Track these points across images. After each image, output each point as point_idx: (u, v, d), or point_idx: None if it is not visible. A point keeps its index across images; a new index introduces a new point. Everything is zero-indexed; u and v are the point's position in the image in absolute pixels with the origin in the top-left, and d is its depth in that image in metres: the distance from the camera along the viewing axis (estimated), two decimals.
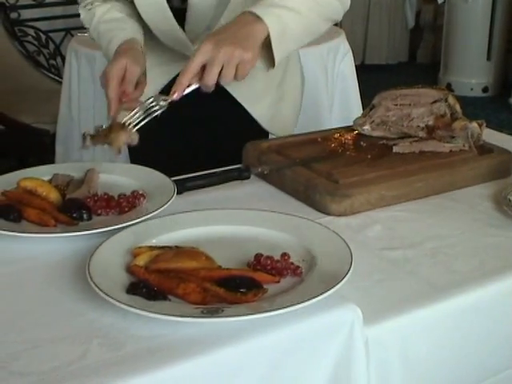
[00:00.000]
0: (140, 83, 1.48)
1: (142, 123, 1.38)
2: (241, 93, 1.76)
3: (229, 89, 1.73)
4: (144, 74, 1.50)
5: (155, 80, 1.69)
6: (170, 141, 1.80)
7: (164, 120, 1.74)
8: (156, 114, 1.37)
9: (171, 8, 1.61)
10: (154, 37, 1.68)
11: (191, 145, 1.81)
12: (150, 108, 1.38)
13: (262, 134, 1.84)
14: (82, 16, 1.70)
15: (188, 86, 1.34)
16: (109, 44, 1.57)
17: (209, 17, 1.63)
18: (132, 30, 1.61)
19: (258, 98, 1.79)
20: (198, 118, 1.78)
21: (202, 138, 1.82)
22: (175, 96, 1.34)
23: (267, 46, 1.41)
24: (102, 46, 1.63)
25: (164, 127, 1.74)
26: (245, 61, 1.32)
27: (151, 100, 1.39)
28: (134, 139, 1.37)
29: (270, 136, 1.85)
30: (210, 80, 1.31)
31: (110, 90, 1.42)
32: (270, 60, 1.46)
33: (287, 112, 1.91)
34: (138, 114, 1.38)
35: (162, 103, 1.37)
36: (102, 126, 1.39)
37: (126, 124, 1.37)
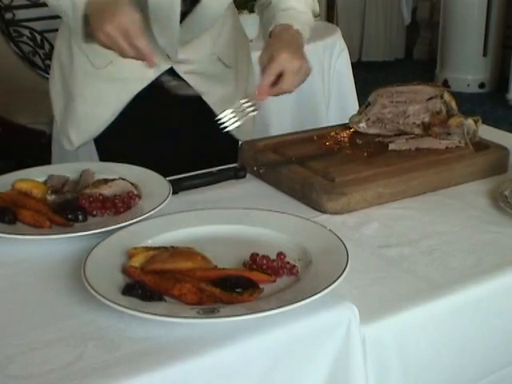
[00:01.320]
0: None
1: (238, 124, 1.48)
2: (213, 98, 1.78)
3: (204, 96, 1.76)
4: None
5: (132, 85, 1.71)
6: (157, 141, 1.80)
7: (149, 122, 1.74)
8: (252, 114, 1.49)
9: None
10: None
11: (176, 145, 1.81)
12: (244, 109, 1.49)
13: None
14: None
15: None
16: None
17: (204, 26, 1.66)
18: None
19: (228, 102, 1.79)
20: (182, 120, 1.79)
21: (189, 138, 1.82)
22: (263, 96, 1.48)
23: None
24: None
25: (150, 128, 1.75)
26: (308, 72, 1.52)
27: (245, 100, 1.49)
28: None
29: None
30: (290, 86, 1.49)
31: (138, 39, 1.38)
32: None
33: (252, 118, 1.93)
34: (232, 115, 1.48)
35: (255, 105, 1.49)
36: None
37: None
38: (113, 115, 1.74)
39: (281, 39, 1.55)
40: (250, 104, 1.49)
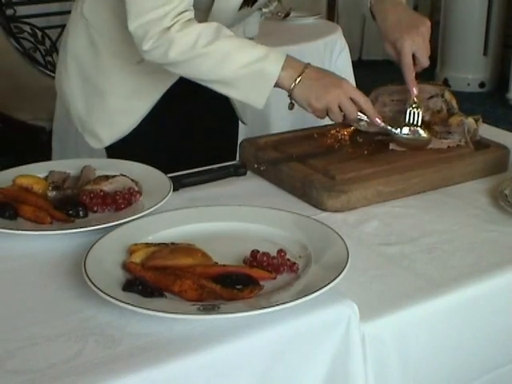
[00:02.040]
0: None
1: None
2: None
3: None
4: None
5: (167, 75, 1.65)
6: (159, 138, 1.80)
7: (150, 120, 1.74)
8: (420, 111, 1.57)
9: None
10: None
11: (180, 141, 1.81)
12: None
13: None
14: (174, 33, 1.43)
15: None
16: (265, 58, 1.43)
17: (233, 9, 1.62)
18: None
19: None
20: (185, 114, 1.79)
21: (190, 135, 1.82)
22: (415, 92, 1.57)
23: None
24: (238, 59, 1.43)
25: (154, 124, 1.75)
26: (428, 28, 1.60)
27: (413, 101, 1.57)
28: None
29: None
30: (426, 61, 1.58)
31: (369, 105, 1.48)
32: None
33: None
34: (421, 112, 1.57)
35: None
36: None
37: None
38: (148, 109, 1.71)
39: (388, 18, 1.60)
40: (417, 103, 1.57)
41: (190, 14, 1.44)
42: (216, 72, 1.44)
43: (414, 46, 1.55)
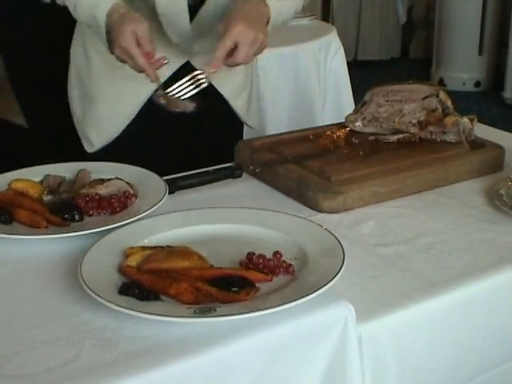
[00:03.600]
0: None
1: (192, 93, 1.49)
2: (227, 88, 1.81)
3: (216, 85, 1.76)
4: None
5: (136, 97, 1.73)
6: (154, 140, 1.81)
7: (147, 119, 1.74)
8: (204, 86, 1.50)
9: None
10: (154, 32, 1.67)
11: (172, 144, 1.82)
12: (197, 80, 1.50)
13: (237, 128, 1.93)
14: None
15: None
16: (96, 7, 1.54)
17: (215, 19, 1.65)
18: None
19: (239, 91, 1.84)
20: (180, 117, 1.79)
21: (185, 136, 1.83)
22: (216, 68, 1.48)
23: None
24: (84, 5, 1.57)
25: (148, 126, 1.75)
26: (264, 44, 1.50)
27: (199, 72, 1.50)
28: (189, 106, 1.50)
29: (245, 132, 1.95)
30: (244, 58, 1.48)
31: (138, 59, 1.46)
32: None
33: (254, 103, 1.96)
34: (185, 85, 1.49)
35: (206, 77, 1.50)
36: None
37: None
38: (133, 113, 1.75)
39: (241, 8, 1.53)
40: (202, 76, 1.49)
41: None
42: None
43: (243, 37, 1.46)
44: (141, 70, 1.49)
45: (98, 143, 1.80)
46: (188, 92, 1.49)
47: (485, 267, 1.18)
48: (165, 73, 1.69)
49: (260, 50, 1.51)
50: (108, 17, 1.51)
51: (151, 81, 1.49)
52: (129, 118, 1.76)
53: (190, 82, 1.49)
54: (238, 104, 1.85)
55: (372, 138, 1.64)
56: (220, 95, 1.80)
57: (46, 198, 1.35)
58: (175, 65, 1.70)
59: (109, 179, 1.39)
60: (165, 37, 1.67)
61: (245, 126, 1.96)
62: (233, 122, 1.92)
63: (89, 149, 1.82)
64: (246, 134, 2.02)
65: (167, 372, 0.90)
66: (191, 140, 1.83)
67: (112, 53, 1.52)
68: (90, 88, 1.79)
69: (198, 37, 1.69)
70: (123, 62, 1.51)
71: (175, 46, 1.69)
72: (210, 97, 1.68)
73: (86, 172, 1.45)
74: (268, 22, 1.56)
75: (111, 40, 1.51)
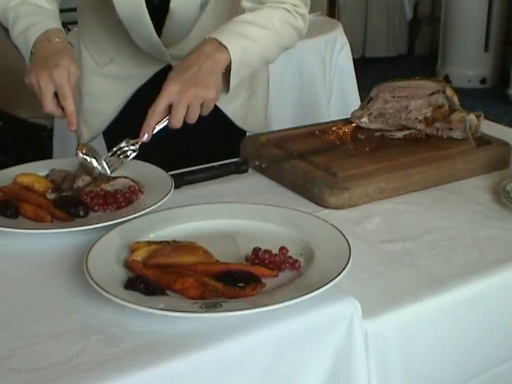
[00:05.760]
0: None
1: (117, 168, 1.39)
2: None
3: None
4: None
5: (131, 82, 1.73)
6: (160, 136, 1.80)
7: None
8: (131, 157, 1.38)
9: (150, 11, 1.56)
10: (125, 39, 1.67)
11: (178, 140, 1.82)
12: (123, 152, 1.39)
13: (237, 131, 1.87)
14: None
15: (155, 126, 1.35)
16: (31, 26, 1.48)
17: (188, 22, 1.62)
18: (58, 23, 1.55)
19: (229, 97, 1.77)
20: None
21: (191, 132, 1.82)
22: (145, 138, 1.35)
23: (225, 72, 1.42)
24: (17, 26, 1.51)
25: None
26: (208, 99, 1.35)
27: (123, 144, 1.39)
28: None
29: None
30: (177, 122, 1.34)
31: (68, 104, 1.37)
32: (226, 85, 1.45)
33: (258, 107, 1.90)
34: (111, 159, 1.39)
35: (132, 147, 1.38)
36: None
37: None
38: (115, 111, 1.77)
39: (182, 62, 1.39)
40: (130, 147, 1.38)
41: None
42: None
43: (175, 98, 1.32)
44: (50, 111, 1.39)
45: (87, 137, 1.81)
46: (115, 164, 1.39)
47: (490, 264, 1.18)
48: (147, 73, 1.70)
49: (207, 108, 1.36)
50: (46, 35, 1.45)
51: (70, 130, 1.39)
52: (111, 116, 1.77)
53: (116, 156, 1.39)
54: (229, 109, 1.80)
55: (378, 134, 1.63)
56: None
57: (50, 196, 1.34)
58: (155, 68, 1.70)
59: (114, 178, 1.38)
60: (134, 44, 1.66)
61: None
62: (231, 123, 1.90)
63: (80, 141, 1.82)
64: None
65: (172, 367, 0.90)
66: (196, 135, 1.82)
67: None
68: (79, 84, 1.74)
69: (172, 45, 1.66)
70: (31, 87, 1.40)
71: (147, 53, 1.67)
72: None
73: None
74: (229, 68, 1.41)
75: (33, 63, 1.42)
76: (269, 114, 2.81)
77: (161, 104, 1.33)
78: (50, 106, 1.38)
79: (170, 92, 1.33)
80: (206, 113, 1.37)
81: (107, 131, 1.82)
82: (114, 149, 1.39)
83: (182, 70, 1.37)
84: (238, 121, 1.84)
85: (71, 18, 1.95)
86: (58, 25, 1.52)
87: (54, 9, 1.59)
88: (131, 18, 1.58)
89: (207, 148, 1.79)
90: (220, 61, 1.39)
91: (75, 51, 1.75)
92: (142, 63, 1.71)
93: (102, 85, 1.76)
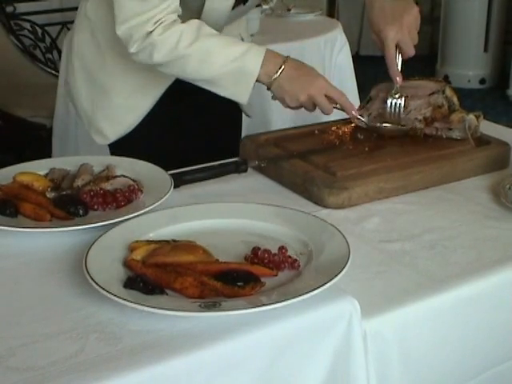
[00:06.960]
0: None
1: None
2: None
3: None
4: None
5: (154, 88, 1.71)
6: (160, 134, 1.80)
7: (152, 116, 1.73)
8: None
9: None
10: None
11: (182, 137, 1.82)
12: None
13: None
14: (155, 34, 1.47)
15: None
16: (245, 55, 1.48)
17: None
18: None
19: None
20: (187, 108, 1.80)
21: (191, 132, 1.82)
22: (400, 80, 1.64)
23: None
24: (218, 58, 1.49)
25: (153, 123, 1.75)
26: (416, 16, 1.61)
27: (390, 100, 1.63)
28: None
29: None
30: (410, 50, 1.62)
31: (344, 98, 1.55)
32: None
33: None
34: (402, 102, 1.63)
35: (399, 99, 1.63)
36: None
37: None
38: (151, 104, 1.73)
39: (374, 6, 1.59)
40: (398, 93, 1.63)
41: (174, 16, 1.49)
42: (199, 72, 1.50)
43: (398, 36, 1.57)
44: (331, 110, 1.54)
45: (113, 136, 1.76)
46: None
47: (489, 264, 1.18)
48: (161, 86, 1.70)
49: (417, 26, 1.60)
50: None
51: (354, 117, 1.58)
52: (145, 111, 1.73)
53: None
54: None
55: (378, 125, 1.63)
56: None
57: (50, 195, 1.34)
58: (169, 79, 1.70)
59: (114, 177, 1.38)
60: None
61: (244, 117, 1.96)
62: (232, 115, 1.92)
63: (101, 141, 1.78)
64: (249, 128, 2.01)
65: (171, 366, 0.90)
66: (196, 135, 1.82)
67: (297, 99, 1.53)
68: (102, 81, 1.74)
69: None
70: (295, 106, 1.54)
71: None
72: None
73: (88, 166, 1.45)
74: None
75: (294, 85, 1.52)
76: (269, 114, 2.83)
77: (392, 49, 1.58)
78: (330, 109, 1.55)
79: (392, 36, 1.57)
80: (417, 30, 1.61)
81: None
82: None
83: (382, 15, 1.58)
84: (246, 108, 1.88)
85: (71, 18, 1.94)
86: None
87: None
88: (214, 12, 1.60)
89: (207, 147, 1.79)
90: None
91: (91, 52, 1.73)
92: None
93: (136, 79, 1.71)
